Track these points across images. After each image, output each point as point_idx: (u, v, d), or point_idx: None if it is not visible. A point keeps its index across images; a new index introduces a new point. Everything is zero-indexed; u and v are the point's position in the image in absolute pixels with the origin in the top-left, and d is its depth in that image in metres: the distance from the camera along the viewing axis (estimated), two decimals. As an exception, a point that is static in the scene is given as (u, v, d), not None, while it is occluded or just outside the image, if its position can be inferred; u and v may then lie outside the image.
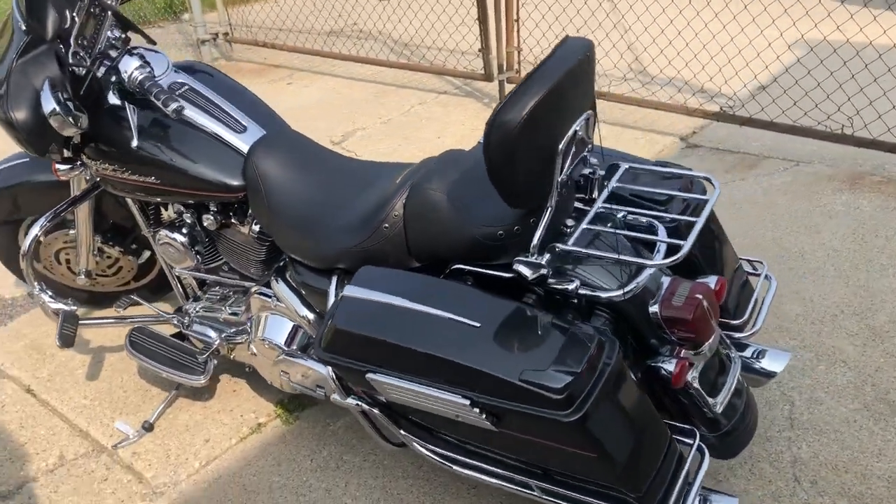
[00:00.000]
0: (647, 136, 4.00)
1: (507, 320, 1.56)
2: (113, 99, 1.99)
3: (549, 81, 1.46)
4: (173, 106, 1.88)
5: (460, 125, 4.34)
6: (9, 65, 1.87)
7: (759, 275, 2.03)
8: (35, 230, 2.25)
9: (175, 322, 2.35)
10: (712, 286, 1.74)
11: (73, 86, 1.97)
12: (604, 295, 1.59)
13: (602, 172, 1.78)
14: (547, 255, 1.58)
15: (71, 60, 1.96)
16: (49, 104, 1.79)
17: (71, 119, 1.82)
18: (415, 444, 1.78)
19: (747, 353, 1.97)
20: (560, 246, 1.57)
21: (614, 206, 1.70)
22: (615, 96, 4.11)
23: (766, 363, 1.94)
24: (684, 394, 1.70)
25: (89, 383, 2.56)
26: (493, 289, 1.67)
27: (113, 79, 1.98)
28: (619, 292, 1.57)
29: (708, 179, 1.76)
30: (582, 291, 1.60)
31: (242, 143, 2.03)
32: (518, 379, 1.46)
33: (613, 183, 1.74)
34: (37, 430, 2.40)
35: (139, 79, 1.94)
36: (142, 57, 1.99)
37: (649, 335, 1.68)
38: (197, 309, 2.33)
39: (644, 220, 1.71)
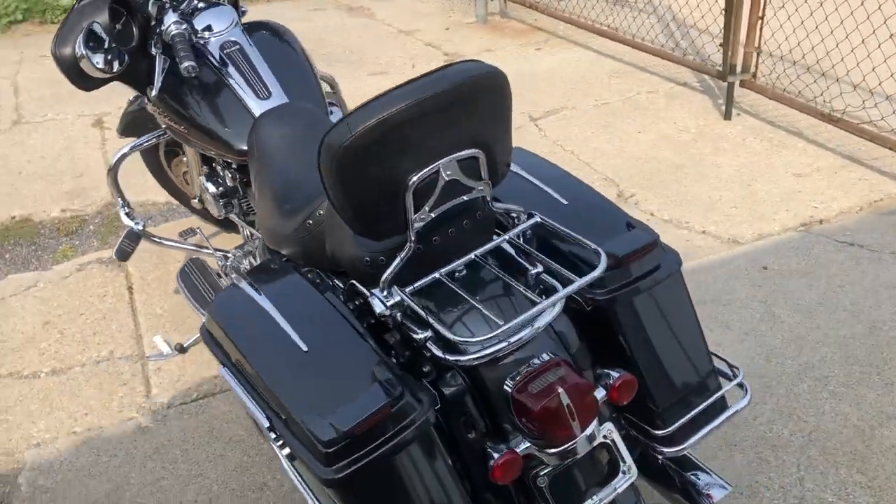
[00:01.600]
0: (871, 180, 3.31)
1: (334, 352, 1.44)
2: (154, 49, 2.14)
3: (391, 108, 1.29)
4: (185, 64, 1.98)
5: (671, 123, 3.95)
6: (72, 5, 2.10)
7: (730, 380, 1.63)
8: (124, 150, 2.52)
9: (218, 262, 2.52)
10: (611, 381, 1.45)
11: (146, 32, 2.16)
12: (440, 355, 1.39)
13: (525, 217, 1.55)
14: (397, 296, 1.43)
15: (150, 9, 2.13)
16: (79, 48, 1.98)
17: (96, 64, 1.99)
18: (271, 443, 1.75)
19: (690, 473, 1.62)
20: (398, 290, 1.41)
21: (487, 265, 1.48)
22: (847, 124, 3.44)
23: (698, 490, 1.58)
24: (534, 495, 1.45)
25: (172, 296, 2.85)
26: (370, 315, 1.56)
27: (158, 31, 2.12)
28: (457, 357, 1.37)
29: (597, 252, 1.44)
30: (429, 345, 1.42)
31: (258, 109, 2.07)
32: (301, 417, 1.36)
33: (501, 240, 1.50)
34: (110, 324, 2.74)
35: (172, 33, 2.05)
36: (183, 14, 2.10)
37: (502, 414, 1.45)
38: (237, 255, 2.46)
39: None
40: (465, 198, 1.44)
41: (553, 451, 1.41)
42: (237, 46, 2.16)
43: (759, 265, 2.84)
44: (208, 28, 2.18)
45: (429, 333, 1.42)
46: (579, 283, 1.38)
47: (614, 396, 1.47)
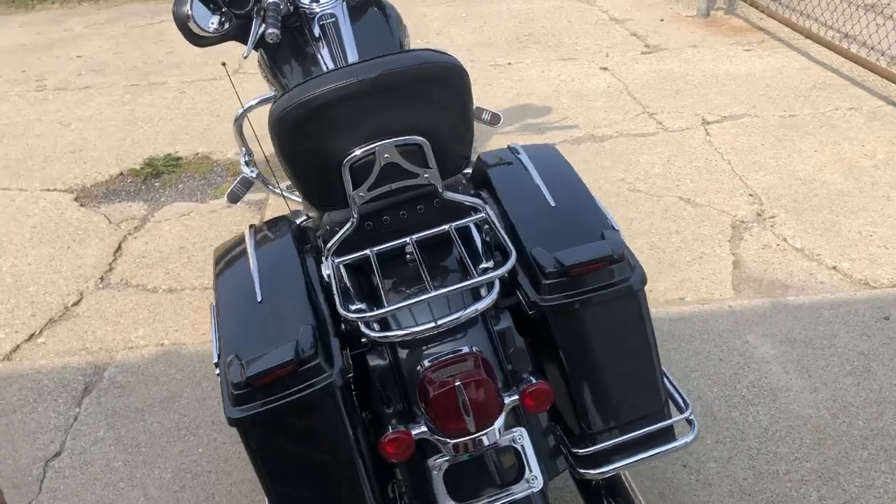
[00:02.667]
0: None
1: (280, 308, 1.54)
2: (255, 14, 2.33)
3: (326, 85, 1.36)
4: (269, 31, 2.16)
5: (858, 146, 3.55)
6: (198, -32, 2.35)
7: (682, 413, 1.53)
8: (251, 102, 2.77)
9: (312, 217, 2.71)
10: (523, 386, 1.42)
11: None
12: (363, 328, 1.44)
13: (482, 210, 1.54)
14: (333, 266, 1.51)
15: None
16: (188, 8, 2.22)
17: (200, 24, 2.23)
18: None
19: (618, 499, 1.55)
20: (331, 260, 1.49)
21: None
22: None
23: None
24: (426, 479, 1.47)
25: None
26: None
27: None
28: (379, 334, 1.42)
29: (508, 253, 1.41)
30: (351, 316, 1.47)
31: (332, 78, 2.20)
32: (226, 357, 1.49)
33: (440, 229, 1.51)
34: (229, 258, 3.05)
35: (268, 1, 2.24)
36: None
37: (412, 396, 1.48)
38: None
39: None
40: (407, 182, 1.47)
41: (446, 441, 1.43)
42: (333, 19, 2.31)
43: (882, 314, 2.52)
44: (315, 0, 2.35)
45: (361, 308, 1.49)
46: (474, 281, 1.38)
47: (527, 403, 1.44)
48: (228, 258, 1.75)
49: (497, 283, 1.46)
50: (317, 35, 2.29)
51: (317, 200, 1.51)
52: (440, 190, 1.51)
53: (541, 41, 5.10)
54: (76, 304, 2.84)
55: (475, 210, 1.57)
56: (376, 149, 1.42)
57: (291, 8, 2.30)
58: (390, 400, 1.52)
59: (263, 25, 2.33)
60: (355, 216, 1.49)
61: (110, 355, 2.58)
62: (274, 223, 1.85)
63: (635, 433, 1.50)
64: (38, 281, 2.97)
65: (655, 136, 3.78)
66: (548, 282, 1.48)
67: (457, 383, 1.37)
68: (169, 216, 3.37)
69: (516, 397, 1.44)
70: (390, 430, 1.44)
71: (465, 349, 1.46)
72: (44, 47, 5.51)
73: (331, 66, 2.22)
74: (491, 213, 1.54)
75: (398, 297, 1.49)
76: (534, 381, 1.44)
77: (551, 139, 3.80)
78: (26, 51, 5.46)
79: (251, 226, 1.83)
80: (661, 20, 5.40)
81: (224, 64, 1.40)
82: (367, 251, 1.50)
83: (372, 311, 1.42)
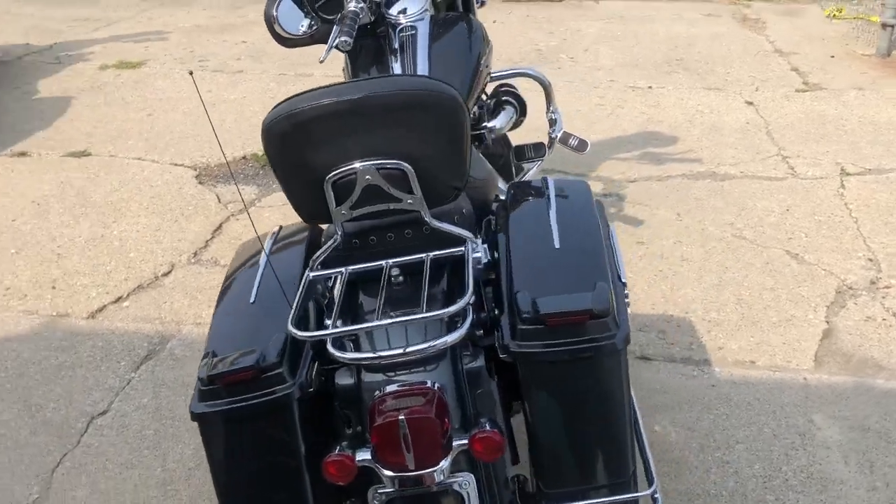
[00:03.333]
0: None
1: (266, 311, 1.56)
2: (336, 22, 2.36)
3: (312, 102, 1.36)
4: (341, 39, 2.18)
5: None
6: (294, -27, 2.41)
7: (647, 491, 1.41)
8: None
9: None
10: (475, 431, 1.36)
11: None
12: (334, 351, 1.43)
13: (466, 242, 1.48)
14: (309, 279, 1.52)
15: None
16: (274, 9, 2.29)
17: (285, 26, 2.29)
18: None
19: None
20: (308, 273, 1.49)
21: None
22: None
23: None
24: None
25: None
26: None
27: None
28: (344, 354, 1.40)
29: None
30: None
31: (400, 91, 2.20)
32: (205, 351, 1.53)
33: (417, 257, 1.47)
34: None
35: (348, 9, 2.27)
36: None
37: (365, 421, 1.45)
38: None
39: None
40: (389, 206, 1.45)
41: (385, 472, 1.40)
42: (413, 31, 2.31)
43: (984, 416, 2.21)
44: (403, 11, 2.36)
45: (332, 324, 1.49)
46: (420, 316, 1.34)
47: (476, 449, 1.38)
48: (245, 255, 1.79)
49: (469, 318, 1.41)
50: (395, 46, 2.29)
51: (304, 212, 1.52)
52: (426, 217, 1.47)
53: (690, 67, 4.87)
54: (166, 274, 3.02)
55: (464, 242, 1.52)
56: (357, 169, 1.41)
57: (373, 18, 2.32)
58: (350, 421, 1.51)
59: (336, 28, 2.38)
60: (339, 232, 1.49)
61: (178, 328, 2.72)
62: (301, 228, 1.87)
63: (591, 501, 1.40)
64: (139, 248, 3.18)
65: (782, 182, 3.50)
66: (522, 327, 1.41)
67: (400, 417, 1.34)
68: (273, 203, 3.51)
69: (465, 441, 1.38)
70: (335, 452, 1.43)
71: (429, 383, 1.42)
72: (216, 30, 5.91)
73: (392, 69, 2.22)
74: (472, 247, 1.49)
75: (360, 320, 1.48)
76: (487, 428, 1.38)
77: (668, 171, 3.62)
78: (200, 32, 5.88)
79: (280, 227, 1.86)
80: (832, 56, 5.01)
81: (191, 73, 1.42)
82: (342, 269, 1.49)
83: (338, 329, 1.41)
